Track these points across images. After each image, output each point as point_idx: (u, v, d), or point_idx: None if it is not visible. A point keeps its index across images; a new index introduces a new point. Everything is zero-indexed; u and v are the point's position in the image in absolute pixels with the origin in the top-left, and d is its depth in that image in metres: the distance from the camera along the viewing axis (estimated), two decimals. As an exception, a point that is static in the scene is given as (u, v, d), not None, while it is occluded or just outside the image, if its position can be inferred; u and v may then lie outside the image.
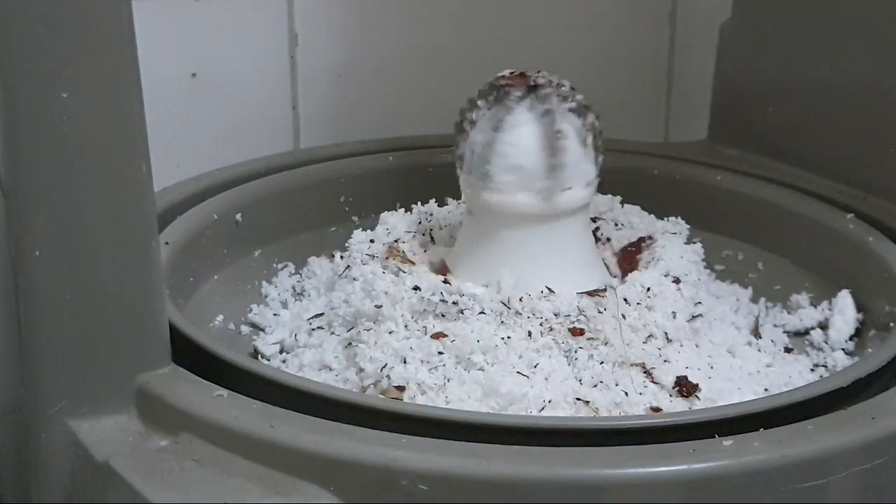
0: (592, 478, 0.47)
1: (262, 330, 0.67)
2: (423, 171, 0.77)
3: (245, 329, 0.67)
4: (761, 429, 0.49)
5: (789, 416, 0.51)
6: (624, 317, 0.60)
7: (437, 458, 0.47)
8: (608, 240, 0.70)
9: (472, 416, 0.52)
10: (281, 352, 0.65)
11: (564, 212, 0.63)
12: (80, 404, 0.52)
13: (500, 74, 0.64)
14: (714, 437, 0.49)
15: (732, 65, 0.82)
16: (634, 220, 0.71)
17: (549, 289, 0.62)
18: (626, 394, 0.56)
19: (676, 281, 0.64)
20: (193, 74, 0.78)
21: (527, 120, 0.62)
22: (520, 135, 0.62)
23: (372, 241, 0.68)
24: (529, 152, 0.62)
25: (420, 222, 0.70)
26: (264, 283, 0.71)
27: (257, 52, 0.80)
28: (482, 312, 0.60)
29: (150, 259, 0.52)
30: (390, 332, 0.60)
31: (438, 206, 0.73)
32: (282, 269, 0.72)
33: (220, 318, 0.67)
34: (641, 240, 0.69)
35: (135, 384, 0.52)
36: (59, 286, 0.50)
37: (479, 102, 0.63)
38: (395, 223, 0.70)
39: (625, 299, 0.62)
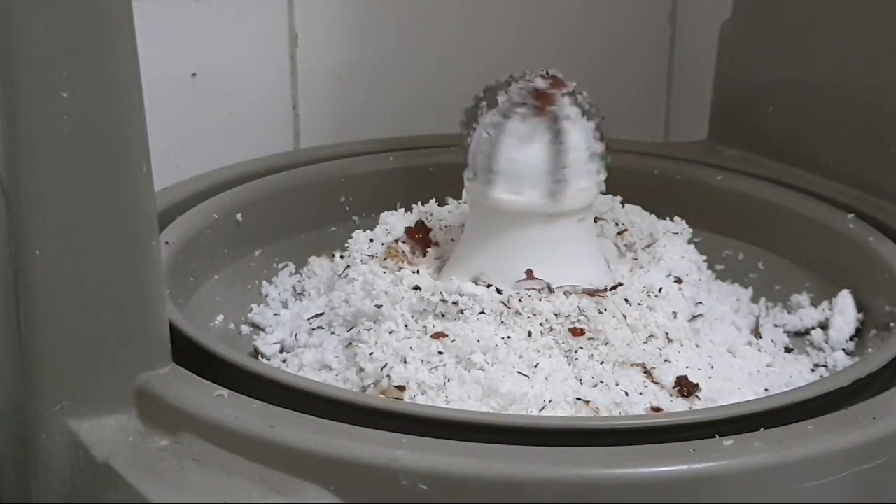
0: (592, 478, 0.47)
1: (263, 330, 0.67)
2: (423, 171, 0.77)
3: (245, 329, 0.67)
4: (761, 429, 0.49)
5: (789, 416, 0.51)
6: (625, 317, 0.60)
7: (437, 458, 0.47)
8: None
9: (472, 416, 0.52)
10: (281, 352, 0.65)
11: (569, 211, 0.63)
12: (80, 404, 0.52)
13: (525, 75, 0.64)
14: (714, 437, 0.49)
15: (732, 65, 0.82)
16: (635, 220, 0.71)
17: (549, 288, 0.62)
18: (627, 394, 0.56)
19: (678, 281, 0.64)
20: (193, 74, 0.78)
21: (535, 122, 0.62)
22: (526, 135, 0.62)
23: (371, 240, 0.68)
24: (534, 152, 0.62)
25: (420, 222, 0.70)
26: (264, 282, 0.71)
27: (257, 52, 0.80)
28: (482, 312, 0.60)
29: (150, 259, 0.52)
30: (390, 332, 0.60)
31: (438, 206, 0.73)
32: (282, 268, 0.72)
33: (220, 317, 0.67)
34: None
35: (135, 384, 0.52)
36: (59, 286, 0.50)
37: (488, 100, 0.64)
38: (395, 223, 0.70)
39: (626, 299, 0.62)
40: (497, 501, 0.47)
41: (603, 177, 0.64)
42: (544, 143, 0.62)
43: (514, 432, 0.50)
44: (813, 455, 0.48)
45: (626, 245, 0.69)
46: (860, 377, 0.54)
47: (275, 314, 0.68)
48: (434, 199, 0.73)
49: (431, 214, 0.71)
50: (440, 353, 0.58)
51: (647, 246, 0.68)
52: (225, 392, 0.52)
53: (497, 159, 0.62)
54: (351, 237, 0.69)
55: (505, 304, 0.60)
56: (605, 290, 0.62)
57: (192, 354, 0.55)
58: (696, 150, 0.82)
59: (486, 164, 0.63)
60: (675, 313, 0.62)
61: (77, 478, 0.52)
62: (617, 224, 0.71)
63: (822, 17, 0.75)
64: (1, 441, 0.74)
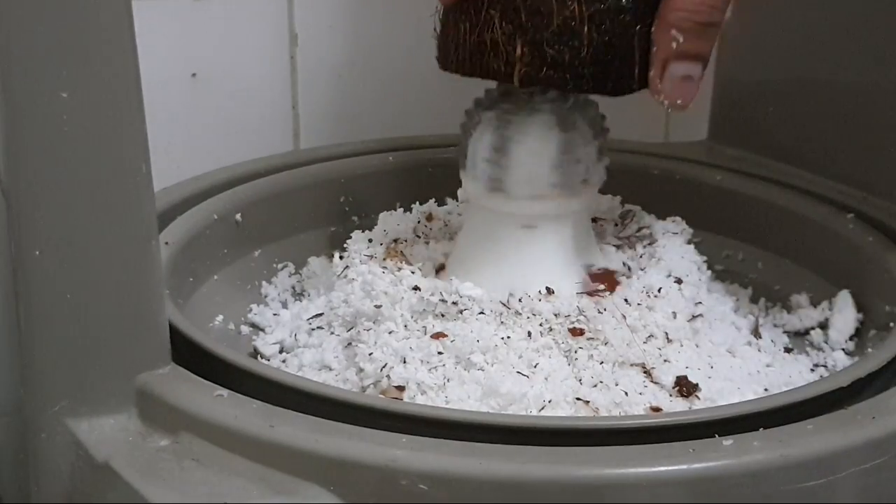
0: (592, 478, 0.47)
1: (262, 330, 0.67)
2: (423, 171, 0.77)
3: (245, 329, 0.67)
4: (761, 429, 0.49)
5: (789, 416, 0.51)
6: (624, 317, 0.60)
7: (437, 458, 0.47)
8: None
9: (472, 415, 0.52)
10: (281, 352, 0.65)
11: (574, 211, 0.63)
12: (80, 404, 0.52)
13: None
14: (714, 437, 0.49)
15: (732, 65, 0.82)
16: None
17: (548, 289, 0.62)
18: (626, 394, 0.56)
19: (678, 281, 0.64)
20: (193, 74, 0.78)
21: (541, 121, 0.62)
22: (530, 135, 0.62)
23: (370, 241, 0.68)
24: (541, 153, 0.62)
25: (419, 222, 0.70)
26: (264, 283, 0.71)
27: (257, 52, 0.80)
28: (482, 312, 0.60)
29: (150, 259, 0.52)
30: (390, 332, 0.60)
31: (438, 205, 0.73)
32: (282, 269, 0.72)
33: (220, 318, 0.67)
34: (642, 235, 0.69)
35: (135, 384, 0.52)
36: (59, 286, 0.50)
37: (487, 101, 0.64)
38: (395, 223, 0.70)
39: (625, 299, 0.62)
40: (497, 501, 0.47)
41: (599, 178, 0.64)
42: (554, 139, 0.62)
43: (514, 432, 0.50)
44: (813, 455, 0.48)
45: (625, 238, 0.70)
46: (860, 377, 0.54)
47: (274, 314, 0.68)
48: (434, 199, 0.73)
49: (431, 214, 0.71)
50: (440, 353, 0.58)
51: (647, 245, 0.68)
52: (225, 392, 0.52)
53: (476, 155, 0.63)
54: (350, 237, 0.69)
55: (504, 304, 0.60)
56: (605, 289, 0.62)
57: (191, 354, 0.55)
58: (696, 150, 0.82)
59: (470, 161, 0.63)
60: (674, 313, 0.62)
61: (77, 478, 0.52)
62: (616, 224, 0.71)
63: (822, 18, 0.75)
64: (1, 441, 0.74)
